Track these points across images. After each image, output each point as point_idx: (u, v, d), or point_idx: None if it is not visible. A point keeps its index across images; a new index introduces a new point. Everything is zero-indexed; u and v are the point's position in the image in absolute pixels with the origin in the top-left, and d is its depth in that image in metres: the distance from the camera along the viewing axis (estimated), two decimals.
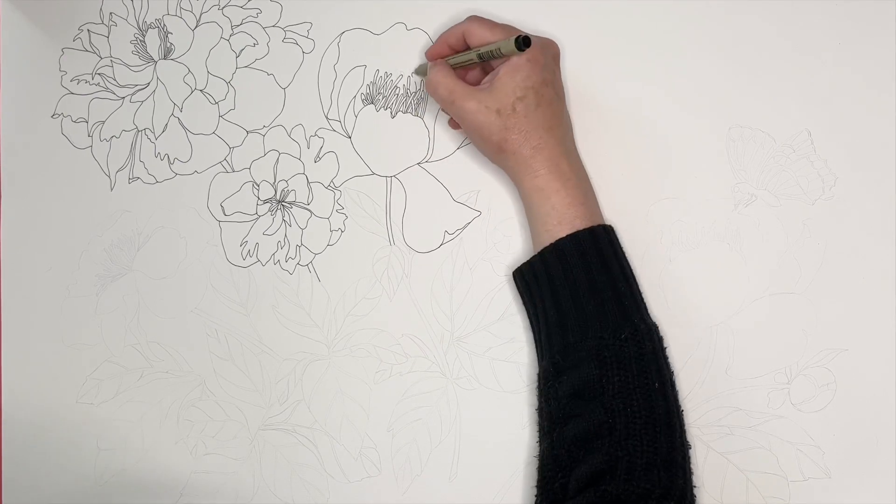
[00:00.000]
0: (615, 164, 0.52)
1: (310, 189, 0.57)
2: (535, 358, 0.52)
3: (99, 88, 0.61)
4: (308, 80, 0.57)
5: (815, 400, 0.49)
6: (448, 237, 0.54)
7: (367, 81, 0.56)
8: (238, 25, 0.59)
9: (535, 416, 0.52)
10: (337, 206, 0.56)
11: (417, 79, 0.56)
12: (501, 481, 0.52)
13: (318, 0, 0.57)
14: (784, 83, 0.51)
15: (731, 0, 0.51)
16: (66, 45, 0.62)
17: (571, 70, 0.53)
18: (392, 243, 0.55)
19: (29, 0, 0.63)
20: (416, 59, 0.55)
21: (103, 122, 0.61)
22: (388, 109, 0.56)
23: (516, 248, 0.53)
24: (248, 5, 0.59)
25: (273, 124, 0.58)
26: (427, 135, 0.55)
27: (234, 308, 0.58)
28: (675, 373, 0.49)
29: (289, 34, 0.58)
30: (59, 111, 0.62)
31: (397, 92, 0.56)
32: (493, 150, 0.48)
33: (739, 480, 0.49)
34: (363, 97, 0.56)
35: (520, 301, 0.51)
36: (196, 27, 0.60)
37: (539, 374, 0.47)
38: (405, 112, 0.56)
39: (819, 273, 0.49)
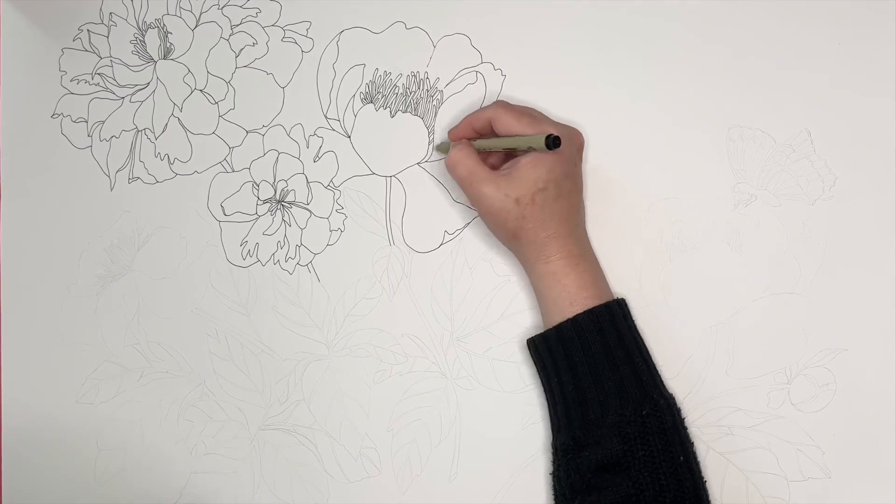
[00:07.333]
0: (615, 164, 0.52)
1: (309, 189, 0.57)
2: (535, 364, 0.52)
3: (99, 88, 0.61)
4: (307, 80, 0.57)
5: (815, 400, 0.49)
6: (448, 237, 0.54)
7: (367, 80, 0.56)
8: (237, 25, 0.59)
9: (535, 417, 0.52)
10: (336, 206, 0.56)
11: (417, 78, 0.55)
12: (501, 481, 0.52)
13: None
14: (784, 83, 0.50)
15: (731, 0, 0.51)
16: (66, 45, 0.62)
17: (571, 70, 0.53)
18: (392, 243, 0.55)
19: (29, 0, 0.63)
20: (416, 57, 0.55)
21: (103, 122, 0.61)
22: (388, 109, 0.56)
23: None
24: (247, 5, 0.59)
25: (272, 124, 0.58)
26: (427, 135, 0.55)
27: (234, 308, 0.58)
28: (676, 373, 0.50)
29: (288, 33, 0.58)
30: (59, 111, 0.62)
31: (397, 91, 0.56)
32: (507, 237, 0.49)
33: (739, 480, 0.49)
34: (362, 96, 0.56)
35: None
36: (196, 27, 0.60)
37: (556, 446, 0.47)
38: (405, 111, 0.56)
39: (819, 273, 0.49)
